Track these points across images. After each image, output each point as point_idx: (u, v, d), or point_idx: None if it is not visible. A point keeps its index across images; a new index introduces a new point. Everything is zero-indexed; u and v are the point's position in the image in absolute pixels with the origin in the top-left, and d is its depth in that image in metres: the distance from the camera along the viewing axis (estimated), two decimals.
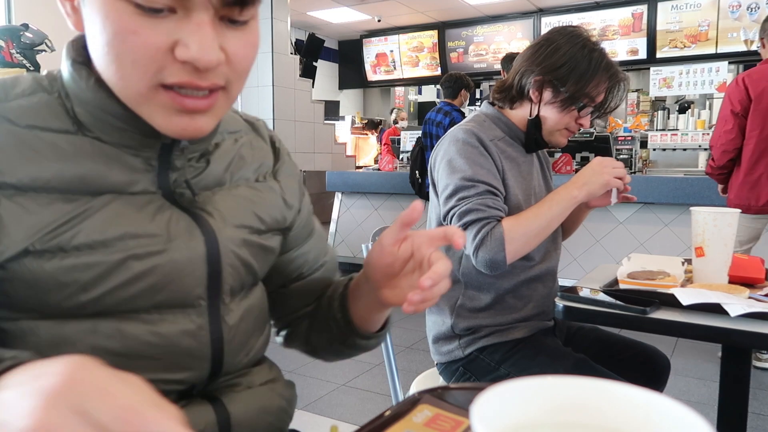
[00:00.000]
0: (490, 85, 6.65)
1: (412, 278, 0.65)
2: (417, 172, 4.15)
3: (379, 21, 7.48)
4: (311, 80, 6.33)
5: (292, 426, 0.77)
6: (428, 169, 1.39)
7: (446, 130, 3.98)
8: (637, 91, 5.78)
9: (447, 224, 1.29)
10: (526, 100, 1.35)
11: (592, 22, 5.64)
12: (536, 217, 1.24)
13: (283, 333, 0.85)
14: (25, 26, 3.17)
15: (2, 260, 0.53)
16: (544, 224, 1.24)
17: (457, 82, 3.93)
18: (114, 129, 0.58)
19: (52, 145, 0.56)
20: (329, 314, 0.77)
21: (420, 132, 4.18)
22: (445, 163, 1.30)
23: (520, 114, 1.37)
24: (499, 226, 1.21)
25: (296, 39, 7.23)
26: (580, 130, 1.38)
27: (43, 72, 0.62)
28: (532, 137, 1.36)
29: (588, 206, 1.35)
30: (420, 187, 4.07)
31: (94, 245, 0.55)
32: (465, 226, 1.23)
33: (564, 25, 1.36)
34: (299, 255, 0.79)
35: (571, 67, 1.26)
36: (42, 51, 3.16)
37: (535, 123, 1.34)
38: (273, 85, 5.62)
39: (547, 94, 1.31)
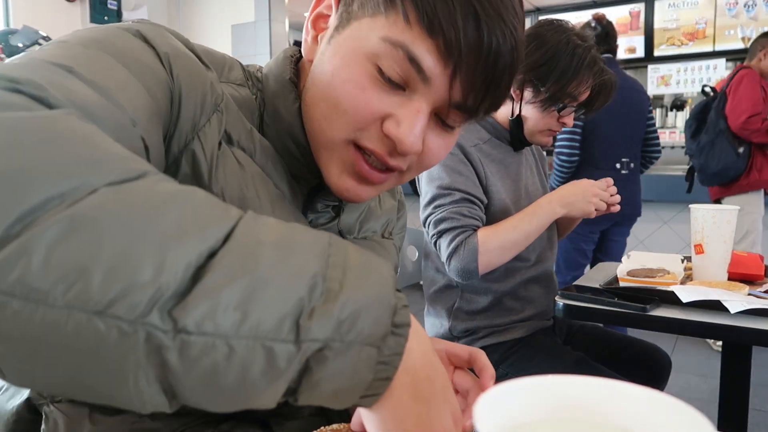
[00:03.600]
0: None
1: None
2: None
3: None
4: None
5: None
6: None
7: None
8: None
9: (425, 230, 1.29)
10: (509, 98, 1.31)
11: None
12: (514, 229, 1.22)
13: None
14: (21, 28, 3.15)
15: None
16: (522, 237, 1.22)
17: None
18: (289, 154, 0.59)
19: (254, 131, 0.57)
20: None
21: None
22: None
23: (503, 111, 1.34)
24: (473, 236, 1.20)
25: (294, 40, 7.23)
26: (563, 129, 1.34)
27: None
28: (516, 137, 1.34)
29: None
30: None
31: None
32: (440, 234, 1.23)
33: (552, 18, 1.29)
34: None
35: (552, 66, 1.22)
36: None
37: (517, 122, 1.31)
38: None
39: (528, 94, 1.28)
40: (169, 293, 0.29)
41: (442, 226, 1.23)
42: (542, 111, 1.27)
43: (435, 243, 1.26)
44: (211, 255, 0.31)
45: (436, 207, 1.25)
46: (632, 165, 2.60)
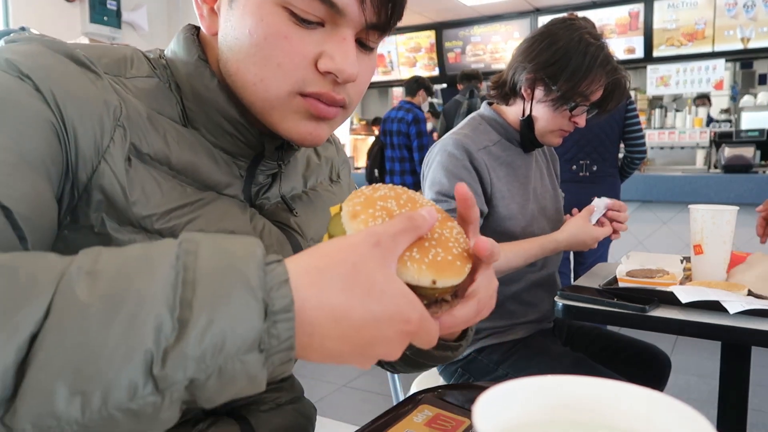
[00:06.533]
0: (487, 85, 6.54)
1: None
2: (376, 170, 4.37)
3: None
4: None
5: None
6: (421, 172, 1.38)
7: (409, 125, 4.10)
8: (634, 89, 5.79)
9: None
10: (519, 98, 1.30)
11: None
12: (516, 256, 1.23)
13: None
14: (23, 30, 3.15)
15: (131, 216, 0.51)
16: (521, 262, 1.23)
17: (417, 83, 4.37)
18: (222, 132, 0.58)
19: (170, 128, 0.56)
20: None
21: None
22: (430, 172, 1.28)
23: (515, 111, 1.33)
24: None
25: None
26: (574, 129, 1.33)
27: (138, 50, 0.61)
28: (527, 137, 1.33)
29: None
30: None
31: None
32: None
33: (565, 17, 1.28)
34: None
35: (563, 64, 1.20)
36: None
37: (528, 123, 1.30)
38: None
39: (539, 93, 1.26)
40: None
41: None
42: (554, 110, 1.26)
43: None
44: (32, 339, 0.28)
45: None
46: (595, 168, 2.56)
